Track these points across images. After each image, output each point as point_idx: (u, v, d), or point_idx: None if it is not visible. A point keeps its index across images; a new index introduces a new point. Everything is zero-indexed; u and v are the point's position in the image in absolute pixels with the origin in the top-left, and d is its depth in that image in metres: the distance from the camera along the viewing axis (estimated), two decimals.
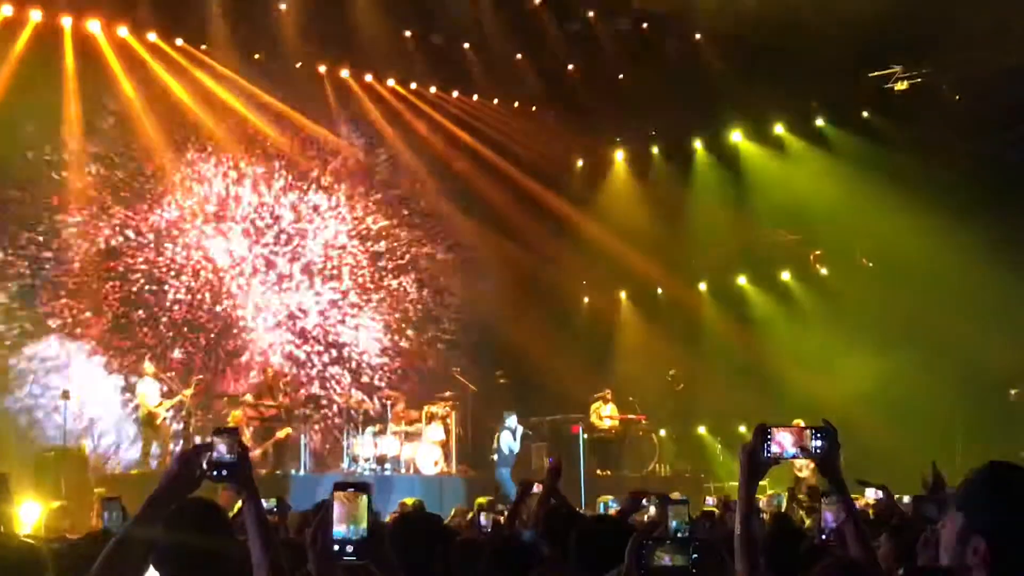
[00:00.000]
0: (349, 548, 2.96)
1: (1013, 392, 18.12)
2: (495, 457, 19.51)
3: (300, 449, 18.61)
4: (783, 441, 3.58)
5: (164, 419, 17.93)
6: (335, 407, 21.17)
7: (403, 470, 18.56)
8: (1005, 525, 2.56)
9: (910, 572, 2.50)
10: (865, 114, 21.61)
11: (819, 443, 3.60)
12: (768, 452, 3.57)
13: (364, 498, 3.03)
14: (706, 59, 21.04)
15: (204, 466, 3.31)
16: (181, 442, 18.29)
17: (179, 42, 19.99)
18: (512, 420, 19.54)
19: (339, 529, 2.98)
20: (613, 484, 18.08)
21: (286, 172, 21.78)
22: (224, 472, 3.31)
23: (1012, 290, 18.40)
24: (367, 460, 18.38)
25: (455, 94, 22.91)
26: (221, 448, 3.32)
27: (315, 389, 21.46)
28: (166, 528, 3.46)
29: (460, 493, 17.33)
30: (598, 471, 20.31)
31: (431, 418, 19.37)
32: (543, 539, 6.03)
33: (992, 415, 18.20)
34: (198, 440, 17.33)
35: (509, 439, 19.39)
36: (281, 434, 18.05)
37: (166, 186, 20.40)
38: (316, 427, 20.87)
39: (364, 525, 2.99)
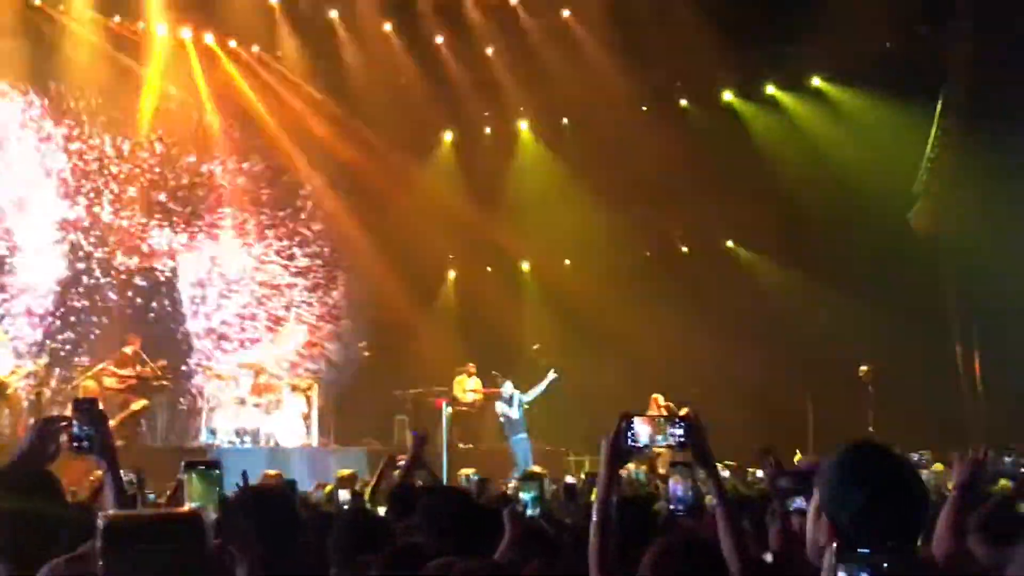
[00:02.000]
0: None
1: (863, 369, 18.60)
2: (504, 429, 19.68)
3: (157, 421, 18.23)
4: (645, 431, 3.64)
5: (15, 389, 17.34)
6: (195, 378, 20.74)
7: (264, 443, 18.34)
8: (848, 505, 2.65)
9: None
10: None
11: (680, 431, 3.66)
12: (631, 441, 3.64)
13: (215, 475, 3.02)
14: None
15: (64, 439, 3.26)
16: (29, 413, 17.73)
17: None
18: (508, 387, 19.65)
19: (192, 507, 2.96)
20: (475, 457, 18.20)
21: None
22: (85, 444, 3.26)
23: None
24: (227, 433, 18.13)
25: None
26: (80, 420, 3.27)
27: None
28: None
29: (322, 467, 17.19)
30: (460, 444, 20.39)
31: (293, 390, 19.17)
32: (394, 513, 6.05)
33: (842, 391, 18.72)
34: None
35: (505, 408, 19.51)
36: (136, 406, 17.63)
37: None
38: (177, 399, 20.38)
39: (215, 503, 2.99)
